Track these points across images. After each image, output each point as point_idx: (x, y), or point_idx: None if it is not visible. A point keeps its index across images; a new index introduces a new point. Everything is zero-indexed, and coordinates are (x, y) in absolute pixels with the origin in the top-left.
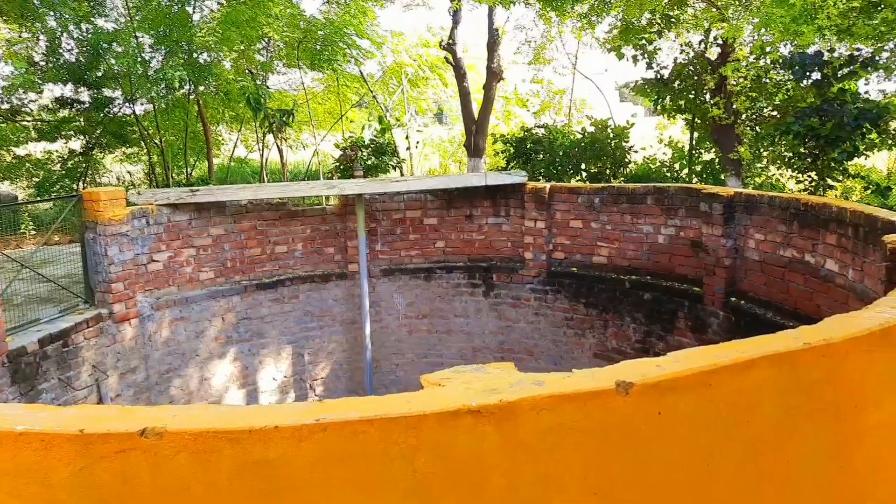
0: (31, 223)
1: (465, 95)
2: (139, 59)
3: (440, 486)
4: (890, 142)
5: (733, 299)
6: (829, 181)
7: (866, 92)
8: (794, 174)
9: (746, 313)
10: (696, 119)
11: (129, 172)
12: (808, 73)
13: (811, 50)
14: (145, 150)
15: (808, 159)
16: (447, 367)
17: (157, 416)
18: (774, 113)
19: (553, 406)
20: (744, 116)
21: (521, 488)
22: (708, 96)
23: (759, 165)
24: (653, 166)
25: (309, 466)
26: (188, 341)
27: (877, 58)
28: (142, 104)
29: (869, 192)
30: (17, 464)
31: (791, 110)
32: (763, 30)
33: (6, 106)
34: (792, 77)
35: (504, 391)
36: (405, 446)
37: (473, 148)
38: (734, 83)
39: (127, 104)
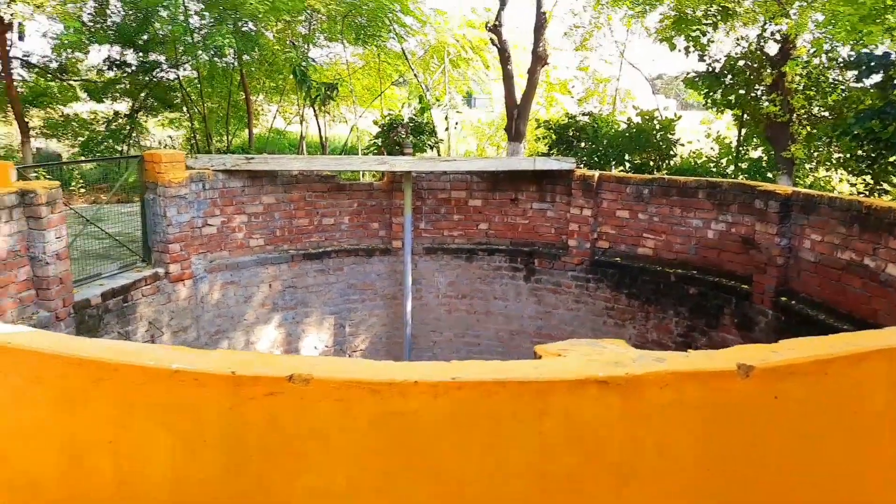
0: (80, 181)
1: (508, 79)
2: (186, 25)
3: (563, 448)
4: None
5: (784, 299)
6: (885, 185)
7: None
8: (846, 176)
9: (797, 314)
10: (745, 115)
11: (170, 137)
12: (872, 74)
13: (880, 50)
14: (187, 116)
15: (865, 162)
16: (484, 348)
17: (300, 364)
18: (825, 113)
19: (675, 382)
20: (797, 115)
21: (638, 457)
22: (760, 92)
23: (808, 166)
24: (699, 161)
25: (442, 421)
26: (237, 305)
27: None
28: (184, 70)
29: None
30: (170, 399)
31: (846, 111)
32: (828, 27)
33: (55, 65)
34: (857, 76)
35: (628, 365)
36: (534, 409)
37: (514, 132)
38: (792, 80)
39: (171, 69)
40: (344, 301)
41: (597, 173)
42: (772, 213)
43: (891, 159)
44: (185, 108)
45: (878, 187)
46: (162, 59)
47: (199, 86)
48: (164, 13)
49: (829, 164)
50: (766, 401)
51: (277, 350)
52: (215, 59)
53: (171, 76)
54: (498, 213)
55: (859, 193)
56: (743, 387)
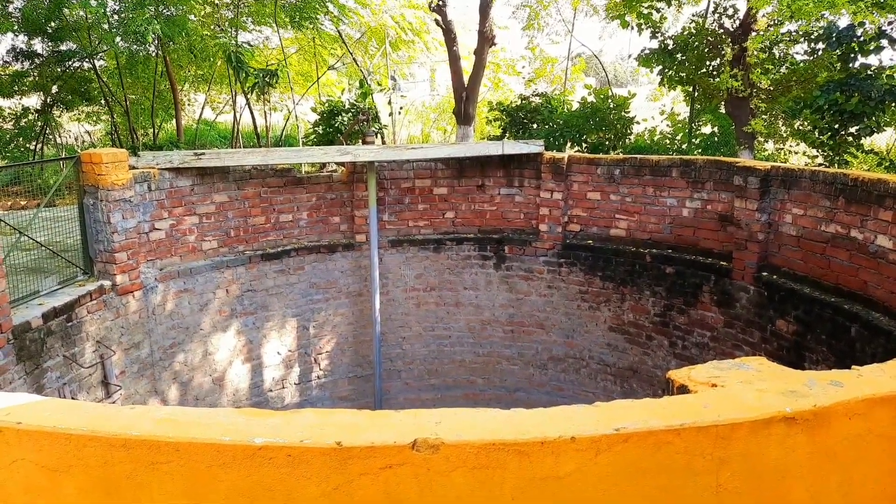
0: None
1: (455, 60)
2: (104, 11)
3: (742, 501)
4: None
5: (765, 274)
6: (846, 156)
7: (892, 68)
8: (804, 149)
9: (780, 288)
10: (697, 91)
11: (87, 132)
12: (839, 47)
13: (842, 24)
14: (107, 109)
15: (826, 134)
16: (455, 340)
17: (422, 423)
18: (770, 87)
19: (865, 411)
20: (757, 89)
21: (821, 501)
22: (713, 66)
23: (761, 140)
24: (655, 138)
25: (603, 483)
26: (192, 314)
27: None
28: (101, 59)
29: (882, 167)
30: (254, 483)
31: (804, 85)
32: (791, 2)
33: None
34: (827, 49)
35: (809, 394)
36: (711, 458)
37: (463, 115)
38: (752, 55)
39: (87, 59)
40: (306, 302)
41: (566, 155)
42: (751, 189)
43: (852, 130)
44: (103, 101)
45: (837, 158)
46: (75, 47)
47: (119, 76)
48: None
49: (787, 137)
50: None
51: (238, 358)
52: (135, 46)
53: (87, 66)
54: (464, 200)
55: (819, 165)
56: None
